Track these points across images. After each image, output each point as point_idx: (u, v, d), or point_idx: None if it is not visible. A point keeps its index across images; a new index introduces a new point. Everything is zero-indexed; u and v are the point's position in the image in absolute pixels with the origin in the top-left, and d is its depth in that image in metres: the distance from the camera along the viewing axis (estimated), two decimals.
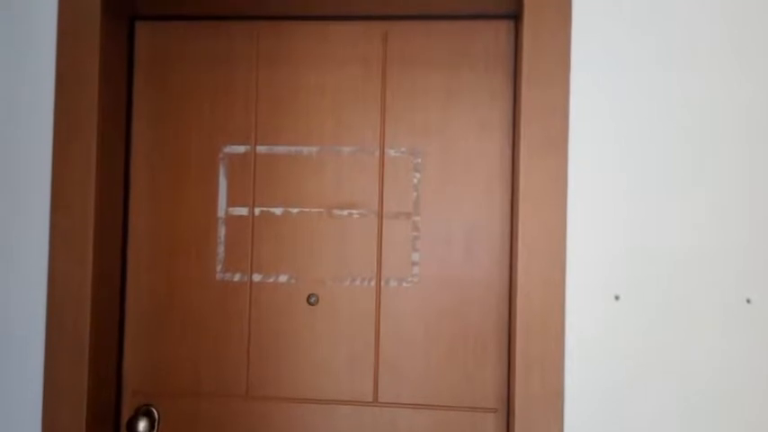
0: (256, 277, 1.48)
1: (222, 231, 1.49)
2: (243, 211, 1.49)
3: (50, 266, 1.36)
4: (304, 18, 1.49)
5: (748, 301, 1.24)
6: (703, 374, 1.25)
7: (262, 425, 1.46)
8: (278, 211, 1.48)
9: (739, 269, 1.24)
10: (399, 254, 1.46)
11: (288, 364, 1.47)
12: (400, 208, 1.46)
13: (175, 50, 1.52)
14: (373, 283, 1.46)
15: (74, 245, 1.36)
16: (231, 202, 1.50)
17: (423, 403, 1.44)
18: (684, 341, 1.25)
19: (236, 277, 1.49)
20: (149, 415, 1.48)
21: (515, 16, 1.43)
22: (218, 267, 1.49)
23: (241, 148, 1.50)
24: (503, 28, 1.45)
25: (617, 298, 1.27)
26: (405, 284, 1.45)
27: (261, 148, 1.49)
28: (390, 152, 1.47)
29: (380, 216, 1.46)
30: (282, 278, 1.48)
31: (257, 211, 1.49)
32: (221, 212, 1.50)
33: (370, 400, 1.45)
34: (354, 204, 1.47)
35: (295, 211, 1.48)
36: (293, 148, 1.49)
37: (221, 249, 1.49)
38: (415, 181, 1.46)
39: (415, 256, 1.45)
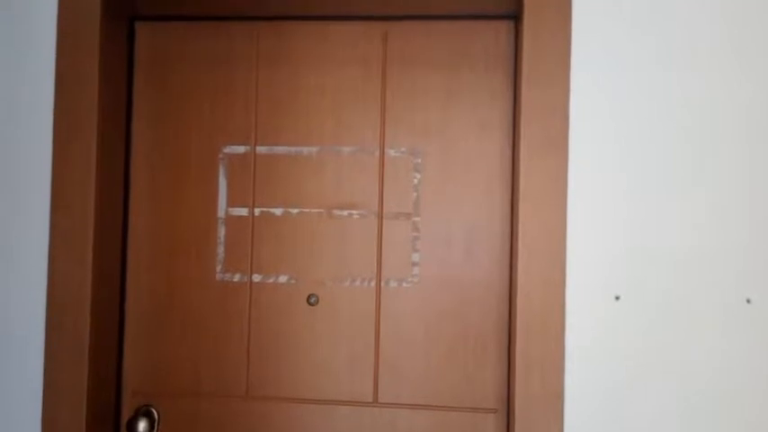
0: (256, 277, 1.48)
1: (222, 232, 1.49)
2: (243, 211, 1.49)
3: (50, 266, 1.36)
4: (304, 18, 1.49)
5: (748, 301, 1.24)
6: (703, 375, 1.24)
7: (262, 425, 1.46)
8: (278, 211, 1.48)
9: (739, 269, 1.24)
10: (399, 254, 1.46)
11: (288, 364, 1.47)
12: (400, 208, 1.46)
13: (175, 51, 1.52)
14: (373, 284, 1.46)
15: (74, 245, 1.36)
16: (231, 202, 1.49)
17: (423, 404, 1.44)
18: (684, 341, 1.25)
19: (236, 277, 1.49)
20: (149, 415, 1.48)
21: (515, 16, 1.43)
22: (218, 268, 1.49)
23: (241, 149, 1.50)
24: (503, 28, 1.45)
25: (617, 298, 1.26)
26: (405, 285, 1.45)
27: (261, 149, 1.49)
28: (390, 152, 1.47)
29: (380, 216, 1.46)
30: (282, 278, 1.48)
31: (257, 211, 1.49)
32: (221, 213, 1.50)
33: (370, 400, 1.45)
34: (354, 205, 1.47)
35: (295, 211, 1.48)
36: (293, 149, 1.49)
37: (221, 250, 1.49)
38: (415, 181, 1.46)
39: (415, 257, 1.45)
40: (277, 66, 1.49)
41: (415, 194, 1.46)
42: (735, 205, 1.25)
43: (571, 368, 1.27)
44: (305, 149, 1.48)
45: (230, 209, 1.49)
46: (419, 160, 1.46)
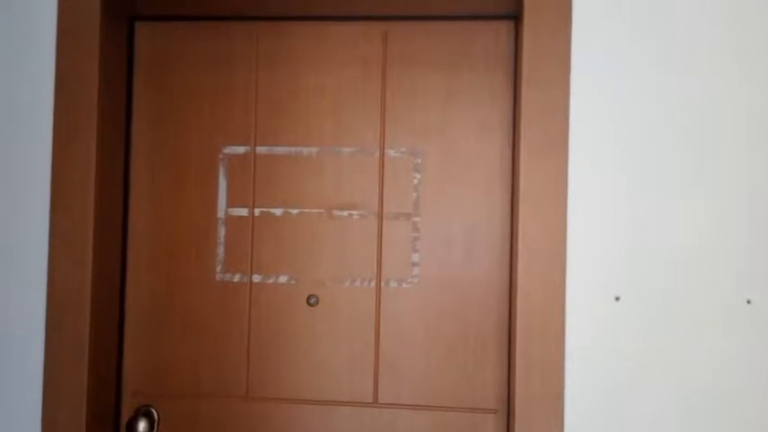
0: (256, 278, 1.48)
1: (222, 232, 1.49)
2: (243, 211, 1.49)
3: (50, 266, 1.36)
4: (304, 18, 1.49)
5: (748, 301, 1.24)
6: (703, 375, 1.25)
7: (261, 426, 1.46)
8: (278, 211, 1.48)
9: (739, 270, 1.25)
10: (399, 254, 1.46)
11: (288, 364, 1.47)
12: (400, 209, 1.46)
13: (175, 51, 1.52)
14: (373, 284, 1.46)
15: (74, 245, 1.36)
16: (231, 202, 1.49)
17: (423, 404, 1.44)
18: (685, 342, 1.25)
19: (236, 278, 1.49)
20: (149, 416, 1.48)
21: (515, 17, 1.43)
22: (218, 268, 1.49)
23: (241, 149, 1.49)
24: (503, 29, 1.45)
25: (617, 299, 1.27)
26: (405, 285, 1.45)
27: (261, 149, 1.49)
28: (390, 153, 1.47)
29: (380, 217, 1.46)
30: (282, 279, 1.48)
31: (257, 211, 1.49)
32: (221, 213, 1.50)
33: (370, 400, 1.45)
34: (354, 205, 1.47)
35: (295, 211, 1.48)
36: (293, 149, 1.48)
37: (221, 250, 1.49)
38: (415, 181, 1.46)
39: (415, 257, 1.45)
40: (277, 66, 1.49)
41: (415, 195, 1.46)
42: (735, 206, 1.25)
43: (571, 368, 1.27)
44: (305, 150, 1.48)
45: (230, 209, 1.49)
46: (419, 160, 1.46)
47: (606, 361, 1.26)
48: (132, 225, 1.51)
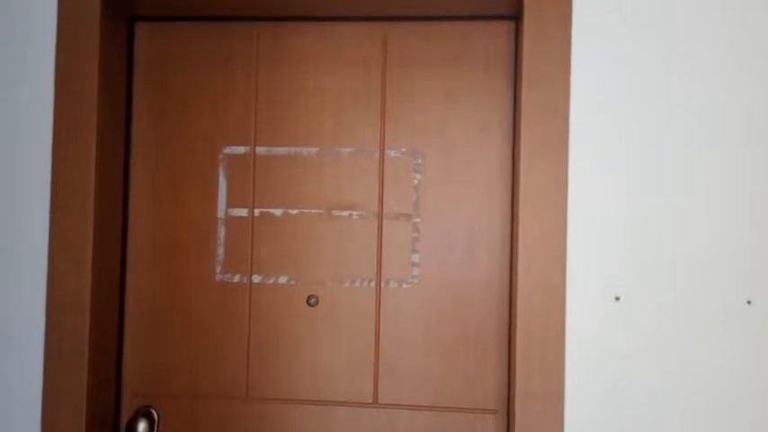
0: (256, 278, 1.48)
1: (222, 232, 1.49)
2: (242, 212, 1.49)
3: (50, 267, 1.36)
4: (304, 19, 1.49)
5: (749, 302, 1.24)
6: (703, 375, 1.25)
7: (261, 426, 1.46)
8: (278, 212, 1.48)
9: (739, 270, 1.25)
10: (399, 255, 1.46)
11: (287, 365, 1.47)
12: (400, 209, 1.46)
13: (175, 51, 1.52)
14: (373, 285, 1.46)
15: (73, 245, 1.36)
16: (231, 202, 1.49)
17: (423, 404, 1.44)
18: (685, 342, 1.25)
19: (236, 278, 1.49)
20: (149, 416, 1.47)
21: (515, 17, 1.43)
22: (218, 268, 1.49)
23: (241, 149, 1.49)
24: (503, 29, 1.45)
25: (617, 299, 1.27)
26: (405, 286, 1.45)
27: (260, 149, 1.49)
28: (390, 153, 1.47)
29: (380, 217, 1.46)
30: (282, 279, 1.48)
31: (257, 212, 1.49)
32: (221, 213, 1.49)
33: (370, 401, 1.45)
34: (354, 205, 1.47)
35: (295, 212, 1.48)
36: (293, 149, 1.48)
37: (221, 250, 1.49)
38: (415, 182, 1.46)
39: (415, 258, 1.45)
40: (277, 66, 1.49)
41: (415, 195, 1.46)
42: (735, 206, 1.25)
43: (571, 368, 1.27)
44: (305, 150, 1.48)
45: (230, 209, 1.49)
46: (419, 161, 1.46)
47: (606, 361, 1.26)
48: (132, 225, 1.51)
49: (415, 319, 1.44)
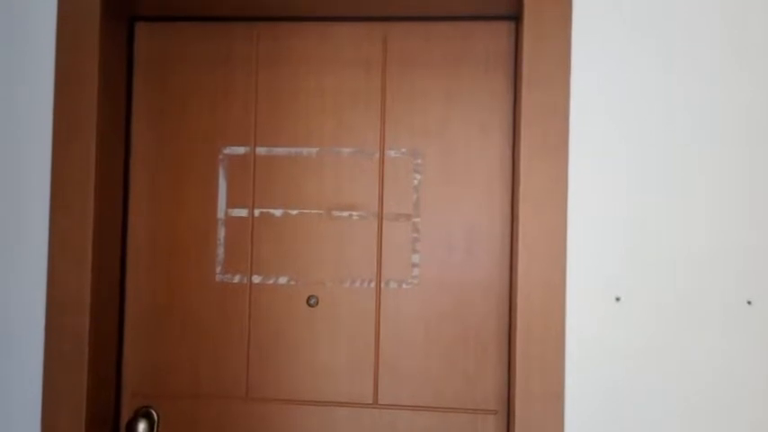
0: (256, 279, 1.48)
1: (222, 233, 1.49)
2: (242, 212, 1.49)
3: (50, 267, 1.36)
4: (304, 19, 1.49)
5: (749, 302, 1.24)
6: (703, 375, 1.25)
7: (261, 427, 1.46)
8: (278, 212, 1.48)
9: (739, 270, 1.25)
10: (399, 255, 1.45)
11: (287, 365, 1.47)
12: (400, 209, 1.46)
13: (175, 51, 1.52)
14: (373, 285, 1.46)
15: (73, 245, 1.35)
16: (231, 203, 1.49)
17: (423, 405, 1.44)
18: (685, 342, 1.25)
19: (236, 279, 1.49)
20: (149, 417, 1.47)
21: (516, 17, 1.43)
22: (218, 269, 1.49)
23: (241, 150, 1.49)
24: (503, 29, 1.45)
25: (617, 299, 1.27)
26: (405, 286, 1.45)
27: (260, 150, 1.49)
28: (390, 153, 1.47)
29: (380, 217, 1.46)
30: (282, 279, 1.48)
31: (257, 212, 1.49)
32: (221, 214, 1.49)
33: (370, 401, 1.45)
34: (354, 206, 1.47)
35: (295, 212, 1.48)
36: (293, 150, 1.48)
37: (221, 251, 1.49)
38: (416, 182, 1.46)
39: (415, 258, 1.45)
40: (277, 67, 1.49)
41: (415, 196, 1.46)
42: (735, 206, 1.25)
43: (571, 368, 1.27)
44: (305, 150, 1.48)
45: (230, 210, 1.49)
46: (419, 161, 1.46)
47: (606, 361, 1.26)
48: (132, 225, 1.51)
49: (415, 320, 1.44)
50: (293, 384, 1.46)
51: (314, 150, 1.48)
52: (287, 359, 1.47)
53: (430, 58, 1.46)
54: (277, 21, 1.49)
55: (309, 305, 1.47)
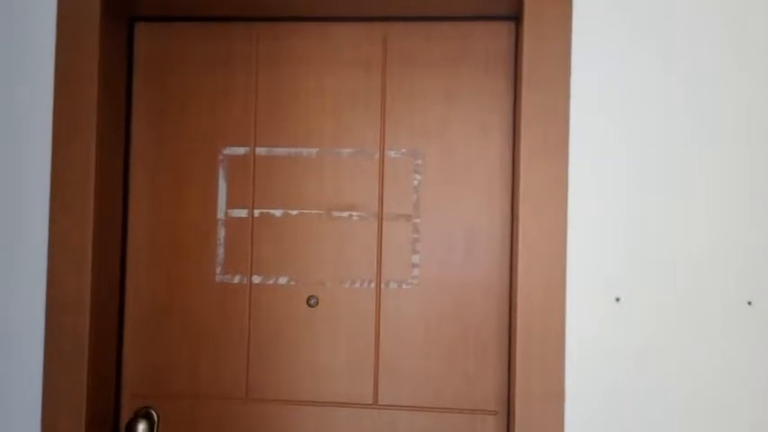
0: (256, 279, 1.48)
1: (222, 233, 1.49)
2: (242, 212, 1.49)
3: (50, 267, 1.36)
4: (304, 19, 1.49)
5: (749, 303, 1.24)
6: (703, 375, 1.25)
7: (261, 427, 1.46)
8: (277, 212, 1.48)
9: (739, 271, 1.25)
10: (399, 256, 1.45)
11: (287, 366, 1.47)
12: (400, 210, 1.46)
13: (175, 51, 1.52)
14: (373, 285, 1.46)
15: (73, 245, 1.35)
16: (231, 203, 1.49)
17: (423, 405, 1.44)
18: (685, 342, 1.25)
19: (236, 279, 1.48)
20: (148, 417, 1.47)
21: (516, 18, 1.43)
22: (218, 269, 1.49)
23: (240, 150, 1.49)
24: (503, 29, 1.45)
25: (617, 300, 1.27)
26: (405, 286, 1.45)
27: (260, 150, 1.49)
28: (390, 154, 1.47)
29: (380, 218, 1.46)
30: (282, 280, 1.47)
31: (257, 212, 1.49)
32: (221, 214, 1.49)
33: (370, 402, 1.45)
34: (354, 206, 1.47)
35: (295, 212, 1.48)
36: (293, 150, 1.48)
37: (221, 251, 1.49)
38: (416, 183, 1.46)
39: (415, 258, 1.45)
40: (277, 67, 1.49)
41: (415, 196, 1.46)
42: (735, 207, 1.25)
43: (571, 368, 1.27)
44: (305, 151, 1.48)
45: (230, 210, 1.49)
46: (419, 162, 1.46)
47: (606, 361, 1.26)
48: (132, 225, 1.51)
49: (415, 320, 1.44)
50: (293, 385, 1.46)
51: (314, 150, 1.48)
52: (287, 359, 1.47)
53: (430, 58, 1.46)
54: (277, 21, 1.49)
55: (309, 305, 1.47)
